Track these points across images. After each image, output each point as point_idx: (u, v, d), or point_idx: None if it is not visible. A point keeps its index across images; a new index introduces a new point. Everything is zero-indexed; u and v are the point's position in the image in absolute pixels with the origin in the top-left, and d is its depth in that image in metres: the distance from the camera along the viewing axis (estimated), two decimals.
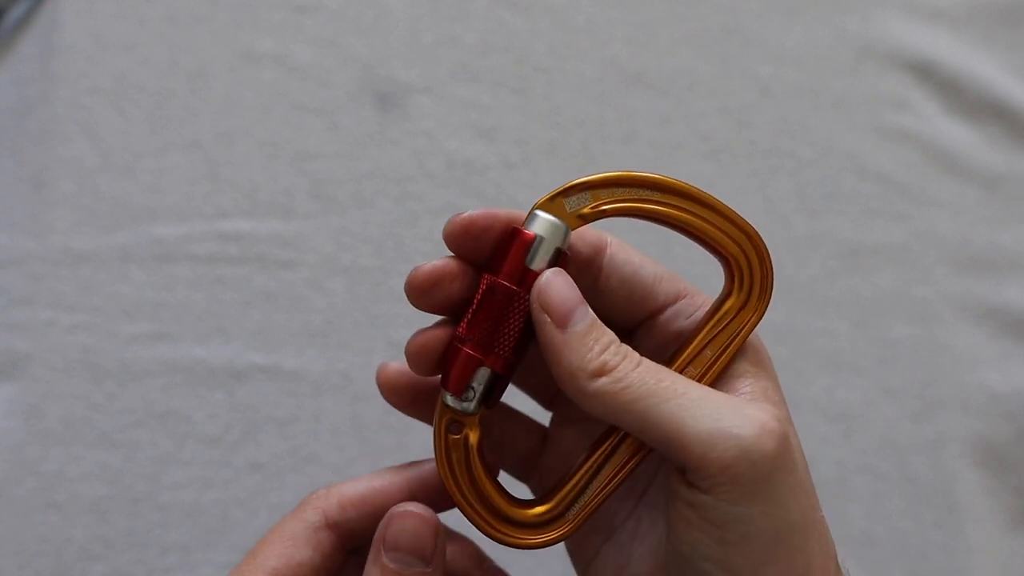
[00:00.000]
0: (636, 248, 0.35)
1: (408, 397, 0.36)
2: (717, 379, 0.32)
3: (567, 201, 0.32)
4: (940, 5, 0.63)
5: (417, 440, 0.54)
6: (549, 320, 0.30)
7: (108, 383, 0.54)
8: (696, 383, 0.31)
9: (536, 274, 0.31)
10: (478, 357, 0.31)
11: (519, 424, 0.38)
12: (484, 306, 0.31)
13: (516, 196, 0.58)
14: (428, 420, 0.36)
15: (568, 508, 0.33)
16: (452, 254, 0.33)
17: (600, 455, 0.33)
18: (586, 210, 0.32)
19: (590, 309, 0.31)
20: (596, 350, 0.30)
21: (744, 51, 0.61)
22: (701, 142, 0.60)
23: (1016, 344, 0.58)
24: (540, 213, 0.32)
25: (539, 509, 0.33)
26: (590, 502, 0.33)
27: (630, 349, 0.31)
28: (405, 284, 0.33)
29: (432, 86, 0.60)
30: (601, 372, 0.30)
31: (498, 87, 0.60)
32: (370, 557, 0.33)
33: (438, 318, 0.34)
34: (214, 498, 0.53)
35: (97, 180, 0.57)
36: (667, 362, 0.33)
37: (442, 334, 0.33)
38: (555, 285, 0.31)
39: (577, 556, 0.37)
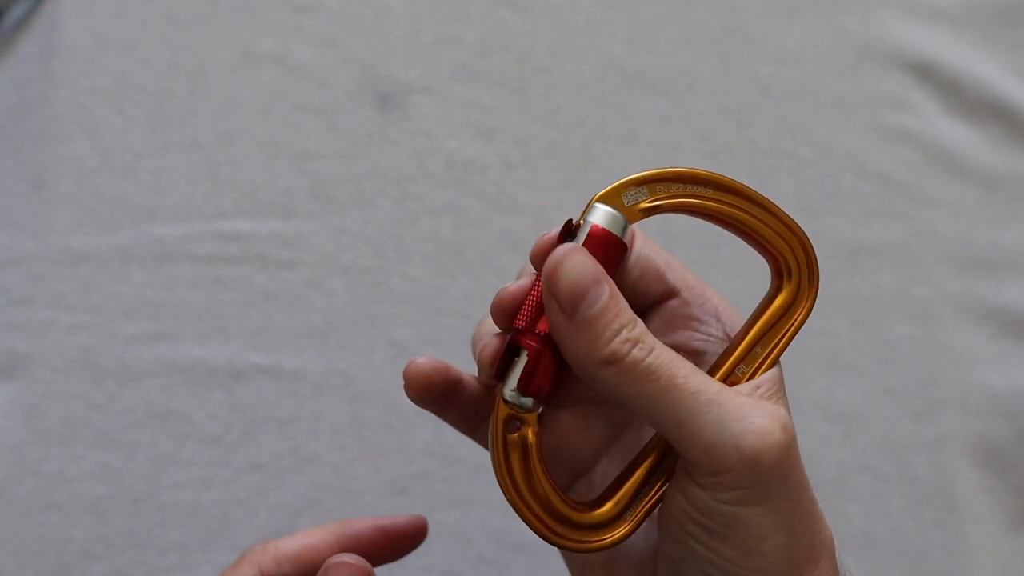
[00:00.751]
0: (682, 247, 0.36)
1: (439, 393, 0.35)
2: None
3: (625, 196, 0.32)
4: (940, 5, 0.63)
5: (417, 440, 0.54)
6: (556, 307, 0.29)
7: (108, 383, 0.54)
8: (709, 378, 0.30)
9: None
10: (541, 349, 0.30)
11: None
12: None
13: (516, 196, 0.58)
14: (453, 420, 0.36)
15: (627, 508, 0.32)
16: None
17: (657, 453, 0.33)
18: (644, 204, 0.32)
19: (607, 286, 0.29)
20: (606, 336, 0.29)
21: (744, 51, 0.61)
22: (701, 142, 0.60)
23: (1016, 344, 0.58)
24: (600, 205, 0.31)
25: (600, 511, 0.32)
26: (648, 500, 0.32)
27: (645, 332, 0.30)
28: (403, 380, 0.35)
29: (432, 86, 0.60)
30: (611, 361, 0.29)
31: (498, 87, 0.60)
32: None
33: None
34: (214, 498, 0.53)
35: (97, 180, 0.57)
36: (720, 361, 0.33)
37: (442, 363, 0.35)
38: (566, 266, 0.29)
39: (571, 560, 0.37)
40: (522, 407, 0.31)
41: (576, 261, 0.29)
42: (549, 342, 0.30)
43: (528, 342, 0.31)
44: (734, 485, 0.29)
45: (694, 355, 0.34)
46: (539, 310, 0.31)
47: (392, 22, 0.60)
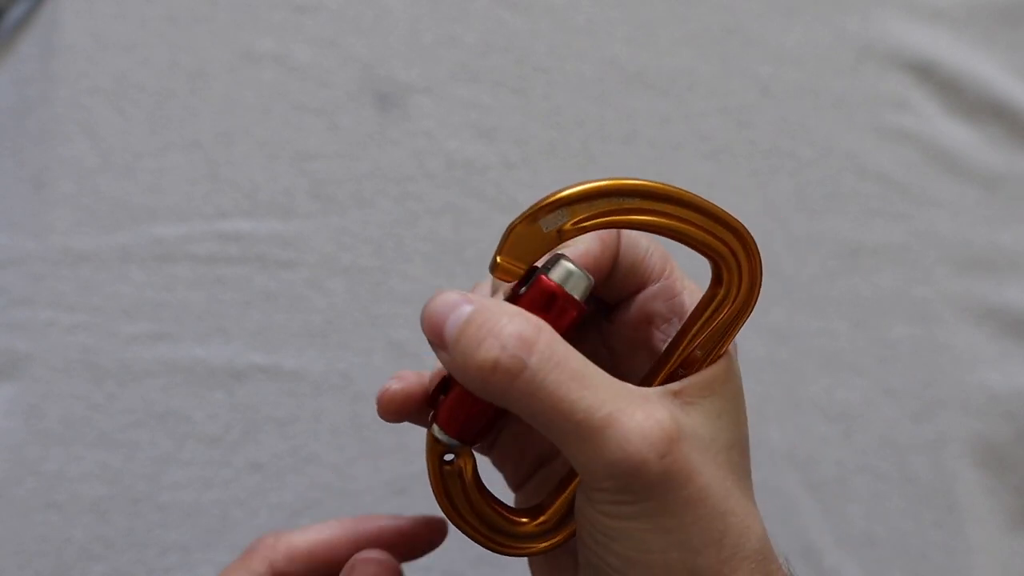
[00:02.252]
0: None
1: (415, 413, 0.35)
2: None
3: (543, 221, 0.29)
4: (940, 5, 0.63)
5: (417, 440, 0.54)
6: (434, 346, 0.29)
7: (108, 383, 0.54)
8: (601, 374, 0.29)
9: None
10: (463, 393, 0.30)
11: None
12: None
13: (516, 196, 0.58)
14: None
15: (562, 519, 0.33)
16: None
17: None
18: (567, 226, 0.29)
19: (468, 305, 0.28)
20: (482, 346, 0.27)
21: (744, 51, 0.61)
22: (701, 142, 0.60)
23: (1016, 344, 0.58)
24: (567, 264, 0.29)
25: (539, 520, 0.33)
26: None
27: (537, 342, 0.28)
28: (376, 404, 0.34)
29: (432, 86, 0.60)
30: (490, 368, 0.27)
31: (498, 87, 0.60)
32: None
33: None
34: (214, 498, 0.53)
35: (97, 180, 0.57)
36: (659, 363, 0.32)
37: (416, 388, 0.33)
38: (426, 310, 0.28)
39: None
40: (450, 445, 0.31)
41: (435, 301, 0.28)
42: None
43: (460, 389, 0.30)
44: (610, 500, 0.28)
45: (654, 354, 0.34)
46: None
47: (392, 22, 0.60)
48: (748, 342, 0.35)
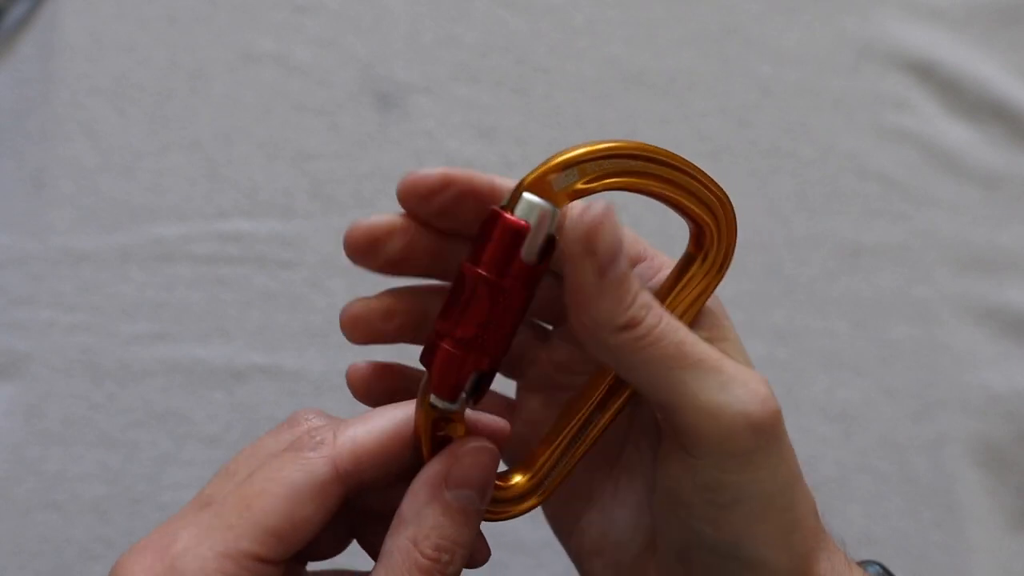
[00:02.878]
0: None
1: (381, 395, 0.35)
2: None
3: (555, 180, 0.29)
4: (940, 5, 0.63)
5: None
6: (590, 266, 0.27)
7: (108, 383, 0.54)
8: (709, 346, 0.30)
9: (525, 266, 0.28)
10: (469, 358, 0.29)
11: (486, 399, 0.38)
12: (473, 303, 0.29)
13: None
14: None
15: (546, 477, 0.32)
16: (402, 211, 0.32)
17: (575, 422, 0.32)
18: (578, 186, 0.29)
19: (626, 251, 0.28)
20: (627, 301, 0.28)
21: (744, 51, 0.61)
22: (701, 142, 0.60)
23: (1016, 344, 0.58)
24: (530, 197, 0.29)
25: (519, 481, 0.32)
26: (565, 469, 0.33)
27: (654, 301, 0.29)
28: (344, 240, 0.32)
29: (432, 86, 0.60)
30: (628, 326, 0.28)
31: (498, 87, 0.60)
32: (419, 496, 0.29)
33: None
34: None
35: (97, 180, 0.57)
36: None
37: (380, 305, 0.33)
38: (608, 226, 0.27)
39: (560, 525, 0.37)
40: (450, 410, 0.30)
41: (615, 222, 0.27)
42: (480, 350, 0.29)
43: (456, 351, 0.29)
44: (733, 451, 0.29)
45: None
46: (474, 316, 0.29)
47: (392, 22, 0.60)
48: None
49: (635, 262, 0.33)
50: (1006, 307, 0.58)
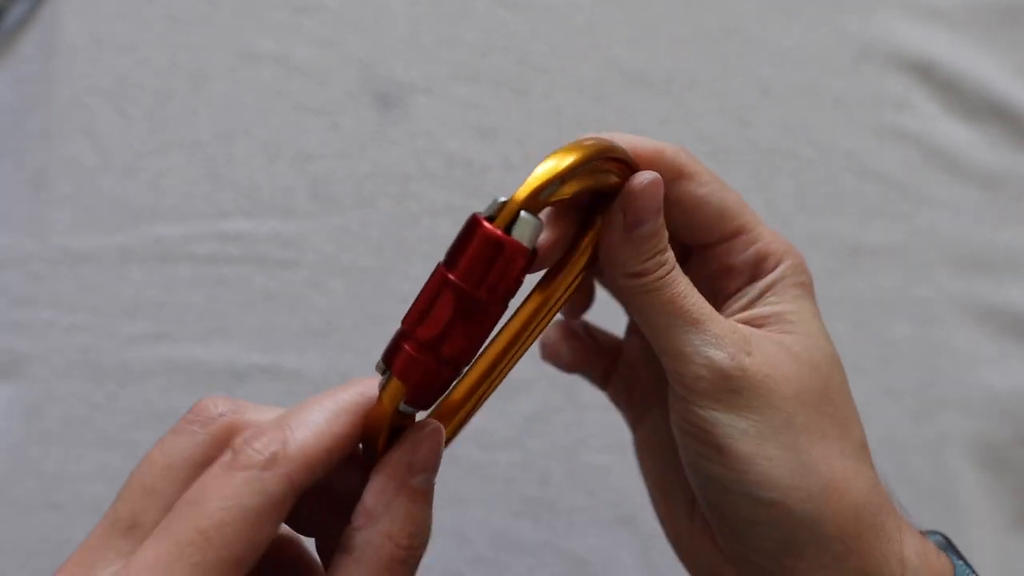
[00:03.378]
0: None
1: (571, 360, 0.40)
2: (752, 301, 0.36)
3: (543, 193, 0.29)
4: (940, 5, 0.63)
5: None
6: (621, 220, 0.32)
7: (108, 383, 0.54)
8: (705, 304, 0.33)
9: (515, 284, 0.29)
10: (446, 372, 0.29)
11: (597, 338, 0.41)
12: (466, 321, 0.28)
13: None
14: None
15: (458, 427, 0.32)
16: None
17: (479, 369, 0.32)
18: (555, 197, 0.30)
19: (662, 218, 0.32)
20: (643, 255, 0.32)
21: (744, 51, 0.61)
22: (701, 142, 0.60)
23: (1016, 344, 0.58)
24: (527, 216, 0.29)
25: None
26: (467, 414, 0.32)
27: (671, 261, 0.33)
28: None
29: (432, 86, 0.60)
30: (637, 275, 0.32)
31: (498, 87, 0.60)
32: (386, 489, 0.29)
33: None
34: None
35: (97, 180, 0.57)
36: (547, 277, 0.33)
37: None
38: (646, 194, 0.32)
39: (640, 454, 0.39)
40: (412, 413, 0.30)
41: (659, 191, 0.32)
42: (458, 364, 0.29)
43: (441, 368, 0.29)
44: (709, 392, 0.32)
45: (721, 307, 0.36)
46: (463, 334, 0.28)
47: (392, 22, 0.60)
48: None
49: (731, 235, 0.35)
50: (1006, 307, 0.58)
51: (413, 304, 0.29)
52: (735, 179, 0.59)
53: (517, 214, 0.29)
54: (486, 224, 0.29)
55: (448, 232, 0.57)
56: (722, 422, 0.32)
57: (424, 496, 0.30)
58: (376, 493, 0.29)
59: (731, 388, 0.32)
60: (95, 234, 0.56)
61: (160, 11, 0.60)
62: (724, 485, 0.32)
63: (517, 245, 0.29)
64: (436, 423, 0.31)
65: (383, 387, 0.30)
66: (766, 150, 0.60)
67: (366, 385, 0.31)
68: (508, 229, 0.29)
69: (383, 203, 0.58)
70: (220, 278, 0.56)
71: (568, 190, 0.30)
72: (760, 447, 0.32)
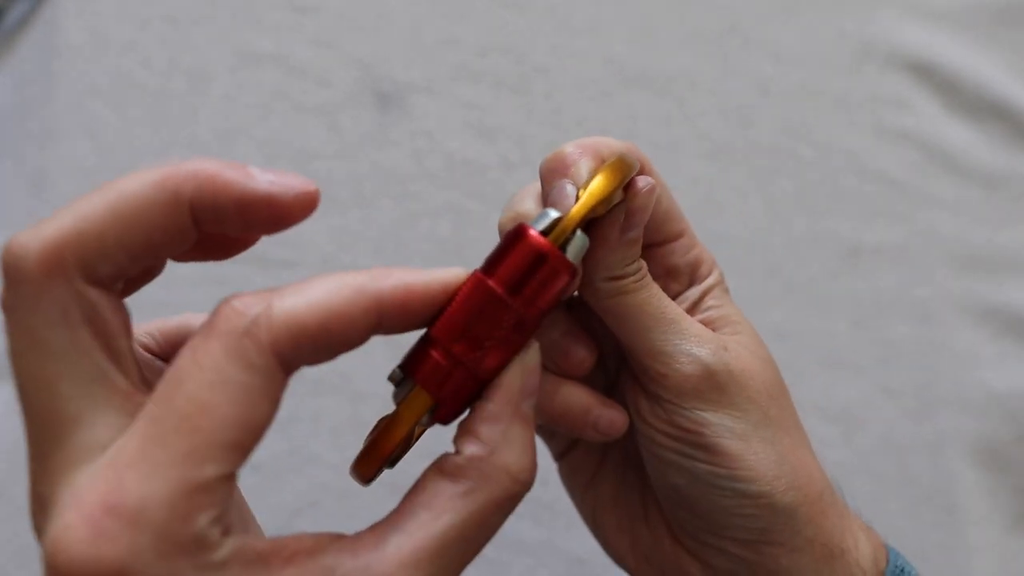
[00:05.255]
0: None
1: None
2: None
3: (596, 212, 0.30)
4: (940, 5, 0.63)
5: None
6: (622, 220, 0.32)
7: None
8: (676, 307, 0.34)
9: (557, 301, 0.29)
10: (476, 389, 0.28)
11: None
12: (508, 340, 0.28)
13: None
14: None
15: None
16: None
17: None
18: (594, 216, 0.30)
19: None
20: (628, 259, 0.32)
21: (744, 51, 0.61)
22: (701, 142, 0.60)
23: (1016, 344, 0.58)
24: (581, 235, 0.29)
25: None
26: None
27: (644, 266, 0.33)
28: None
29: (432, 86, 0.60)
30: (616, 278, 0.32)
31: (498, 87, 0.60)
32: (499, 410, 0.27)
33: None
34: None
35: (97, 180, 0.57)
36: None
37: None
38: (649, 199, 0.32)
39: (574, 482, 0.39)
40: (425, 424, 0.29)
41: (655, 195, 0.33)
42: (488, 377, 0.28)
43: (469, 380, 0.28)
44: (691, 390, 0.33)
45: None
46: (502, 352, 0.28)
47: (392, 22, 0.60)
48: None
49: (675, 237, 0.36)
50: (1006, 307, 0.58)
51: (445, 312, 0.28)
52: (735, 179, 0.59)
53: (574, 232, 0.29)
54: (538, 237, 0.28)
55: (448, 232, 0.57)
56: (711, 422, 0.33)
57: (531, 422, 0.28)
58: (490, 418, 0.27)
59: (716, 386, 0.33)
60: None
61: (160, 11, 0.60)
62: (711, 483, 0.33)
63: (567, 262, 0.28)
64: (536, 343, 0.29)
65: (402, 398, 0.28)
66: (766, 150, 0.60)
67: (387, 271, 0.27)
68: (563, 245, 0.29)
69: (383, 203, 0.58)
70: (220, 278, 0.56)
71: (604, 208, 0.30)
72: (747, 443, 0.33)
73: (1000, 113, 0.61)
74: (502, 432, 0.27)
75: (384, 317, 0.27)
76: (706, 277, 0.36)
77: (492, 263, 0.29)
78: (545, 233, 0.28)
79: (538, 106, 0.60)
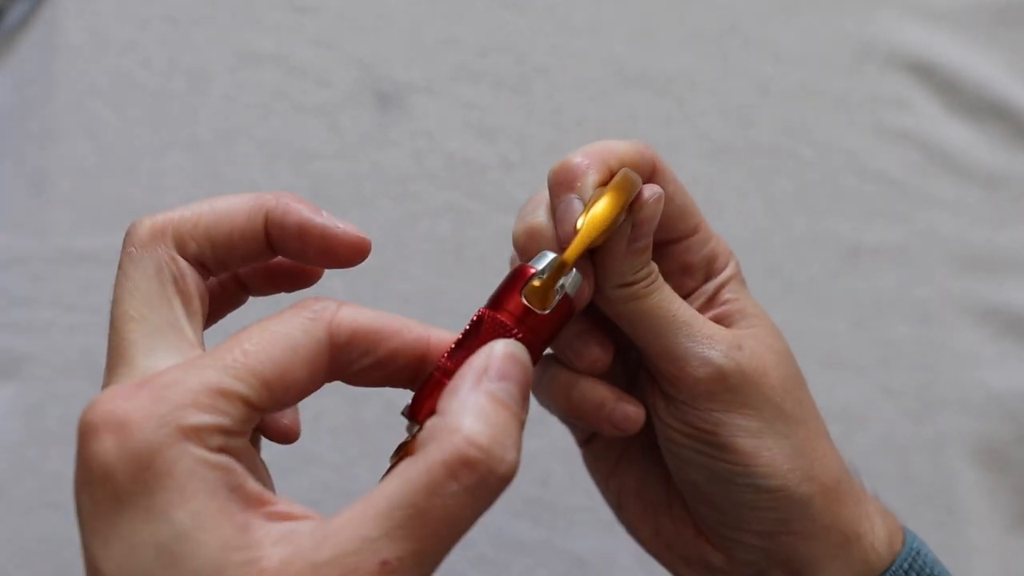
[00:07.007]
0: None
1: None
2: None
3: (591, 247, 0.32)
4: (940, 5, 0.63)
5: None
6: (630, 231, 0.32)
7: None
8: (690, 309, 0.34)
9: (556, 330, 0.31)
10: None
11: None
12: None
13: (516, 196, 0.58)
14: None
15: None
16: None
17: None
18: (594, 245, 0.32)
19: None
20: (638, 266, 0.33)
21: (744, 51, 0.61)
22: (701, 142, 0.60)
23: (1016, 344, 0.58)
24: (576, 274, 0.31)
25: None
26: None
27: (655, 271, 0.34)
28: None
29: (432, 86, 0.60)
30: (628, 284, 0.33)
31: (498, 87, 0.60)
32: (458, 384, 0.27)
33: None
34: None
35: (97, 180, 0.57)
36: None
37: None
38: (657, 208, 0.33)
39: (599, 469, 0.39)
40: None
41: (663, 203, 0.33)
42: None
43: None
44: (705, 392, 0.33)
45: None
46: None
47: (392, 22, 0.60)
48: None
49: (690, 233, 0.36)
50: (1006, 307, 0.58)
51: (456, 345, 0.30)
52: (735, 179, 0.59)
53: (570, 272, 0.31)
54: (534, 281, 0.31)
55: (448, 232, 0.57)
56: (724, 422, 0.33)
57: (504, 405, 0.26)
58: (448, 392, 0.27)
59: (728, 388, 0.33)
60: (95, 234, 0.56)
61: (160, 11, 0.60)
62: (728, 479, 0.34)
63: (559, 307, 0.31)
64: (515, 342, 0.29)
65: (416, 436, 0.28)
66: (766, 150, 0.60)
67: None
68: (559, 285, 0.31)
69: (383, 203, 0.58)
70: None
71: (604, 239, 0.32)
72: (761, 440, 0.34)
73: (1000, 113, 0.61)
74: (460, 401, 0.26)
75: (431, 350, 0.32)
76: (722, 270, 0.36)
77: (495, 300, 0.32)
78: (543, 273, 0.31)
79: (538, 106, 0.60)
